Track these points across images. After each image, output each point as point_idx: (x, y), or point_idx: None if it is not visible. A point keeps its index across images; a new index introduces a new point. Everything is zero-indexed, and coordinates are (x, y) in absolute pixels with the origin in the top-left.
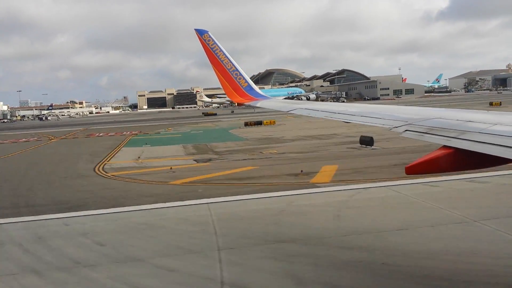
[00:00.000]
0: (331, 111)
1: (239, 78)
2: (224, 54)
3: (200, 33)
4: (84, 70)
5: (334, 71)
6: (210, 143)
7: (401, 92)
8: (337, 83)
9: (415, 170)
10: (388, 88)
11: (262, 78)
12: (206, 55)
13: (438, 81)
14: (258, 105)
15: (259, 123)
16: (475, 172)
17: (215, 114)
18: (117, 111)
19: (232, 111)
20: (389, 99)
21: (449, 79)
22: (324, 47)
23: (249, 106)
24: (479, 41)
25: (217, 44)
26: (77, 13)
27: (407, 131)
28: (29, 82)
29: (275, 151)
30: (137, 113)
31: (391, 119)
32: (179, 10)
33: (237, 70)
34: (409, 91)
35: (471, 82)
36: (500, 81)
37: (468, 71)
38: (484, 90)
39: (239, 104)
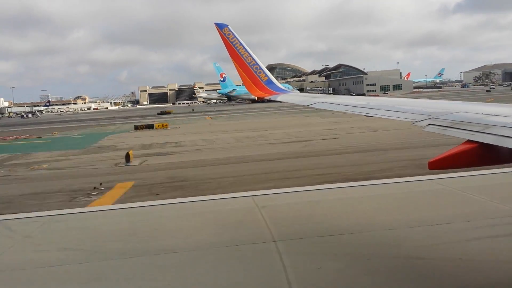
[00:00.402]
0: (352, 105)
1: (259, 72)
2: (244, 48)
3: (220, 27)
4: (103, 65)
5: (331, 66)
6: (52, 151)
7: (388, 88)
8: (333, 78)
9: (438, 165)
10: (375, 84)
11: None
12: (226, 49)
13: (441, 75)
14: (278, 99)
15: (151, 126)
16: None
17: (169, 113)
18: (116, 107)
19: (193, 109)
20: (374, 95)
21: (464, 72)
22: (340, 41)
23: (242, 102)
24: (501, 34)
25: (237, 38)
26: (93, 8)
27: (430, 125)
28: (49, 77)
29: (45, 166)
30: (123, 110)
31: (413, 113)
32: (189, 4)
33: (257, 64)
34: (397, 87)
35: (480, 77)
36: (511, 75)
37: (483, 65)
38: (491, 85)
39: (259, 98)
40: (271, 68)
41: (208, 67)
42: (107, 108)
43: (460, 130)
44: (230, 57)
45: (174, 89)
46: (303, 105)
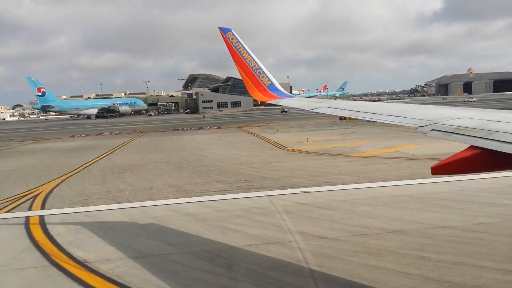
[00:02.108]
0: (355, 109)
1: (262, 77)
2: (248, 52)
3: (224, 31)
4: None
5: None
6: None
7: (226, 104)
8: (222, 91)
9: (441, 170)
10: (212, 101)
11: (189, 84)
12: (230, 53)
13: (343, 89)
14: (281, 103)
15: None
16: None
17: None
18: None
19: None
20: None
21: (425, 83)
22: (327, 49)
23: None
24: (491, 43)
25: (240, 42)
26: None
27: (433, 131)
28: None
29: None
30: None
31: (417, 118)
32: (170, 12)
33: (260, 68)
34: (236, 103)
35: (417, 88)
36: (445, 87)
37: (443, 75)
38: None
39: (261, 103)
40: (193, 78)
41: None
42: (4, 119)
43: (463, 136)
44: (233, 61)
45: (90, 98)
46: (305, 110)
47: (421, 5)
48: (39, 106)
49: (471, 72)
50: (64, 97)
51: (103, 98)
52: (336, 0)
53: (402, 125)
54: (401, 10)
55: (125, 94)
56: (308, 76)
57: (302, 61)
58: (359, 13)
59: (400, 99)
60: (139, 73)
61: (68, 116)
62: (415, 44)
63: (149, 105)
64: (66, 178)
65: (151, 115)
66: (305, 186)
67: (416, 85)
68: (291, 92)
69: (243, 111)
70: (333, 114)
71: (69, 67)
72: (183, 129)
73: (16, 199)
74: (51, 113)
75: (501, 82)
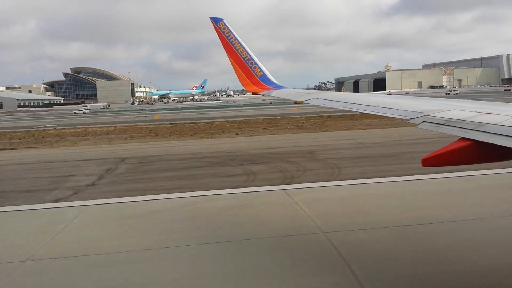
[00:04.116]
0: (347, 101)
1: (254, 67)
2: (239, 42)
3: (215, 21)
4: None
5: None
6: None
7: None
8: (58, 87)
9: (431, 162)
10: None
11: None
12: (221, 43)
13: (203, 87)
14: (273, 94)
15: None
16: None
17: None
18: None
19: None
20: None
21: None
22: (296, 42)
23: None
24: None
25: (232, 33)
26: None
27: (424, 123)
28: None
29: None
30: None
31: (408, 110)
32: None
33: (252, 59)
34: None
35: (320, 86)
36: (342, 85)
37: (358, 74)
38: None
39: (253, 94)
40: (76, 71)
41: None
42: None
43: (454, 128)
44: (224, 51)
45: None
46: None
47: None
48: None
49: (388, 69)
50: None
51: None
52: None
53: (393, 117)
54: (358, 4)
55: None
56: (288, 68)
57: (274, 53)
58: (314, 6)
59: None
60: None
61: None
62: (386, 37)
63: None
64: None
65: None
66: None
67: (320, 82)
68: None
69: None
70: (325, 105)
71: None
72: None
73: None
74: None
75: (378, 80)
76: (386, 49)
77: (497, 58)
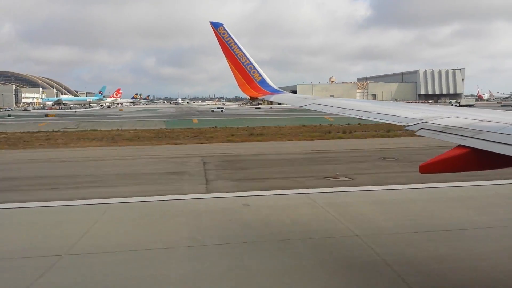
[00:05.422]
0: (345, 107)
1: (253, 72)
2: (239, 47)
3: (215, 26)
4: None
5: None
6: None
7: None
8: None
9: (429, 169)
10: None
11: None
12: (221, 48)
13: (101, 93)
14: (271, 99)
15: None
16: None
17: None
18: None
19: None
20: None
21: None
22: (278, 51)
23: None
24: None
25: (231, 37)
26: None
27: (422, 130)
28: None
29: None
30: None
31: (406, 117)
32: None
33: (251, 63)
34: None
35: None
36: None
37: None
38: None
39: (252, 98)
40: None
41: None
42: None
43: (451, 135)
44: (224, 56)
45: None
46: (296, 106)
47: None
48: None
49: (332, 81)
50: None
51: None
52: (266, 3)
53: (392, 123)
54: (333, 15)
55: None
56: (276, 77)
57: (258, 61)
58: (289, 17)
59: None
60: None
61: None
62: (368, 49)
63: None
64: None
65: None
66: None
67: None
68: None
69: None
70: (323, 111)
71: None
72: None
73: None
74: None
75: (295, 91)
76: (372, 61)
77: (415, 73)
